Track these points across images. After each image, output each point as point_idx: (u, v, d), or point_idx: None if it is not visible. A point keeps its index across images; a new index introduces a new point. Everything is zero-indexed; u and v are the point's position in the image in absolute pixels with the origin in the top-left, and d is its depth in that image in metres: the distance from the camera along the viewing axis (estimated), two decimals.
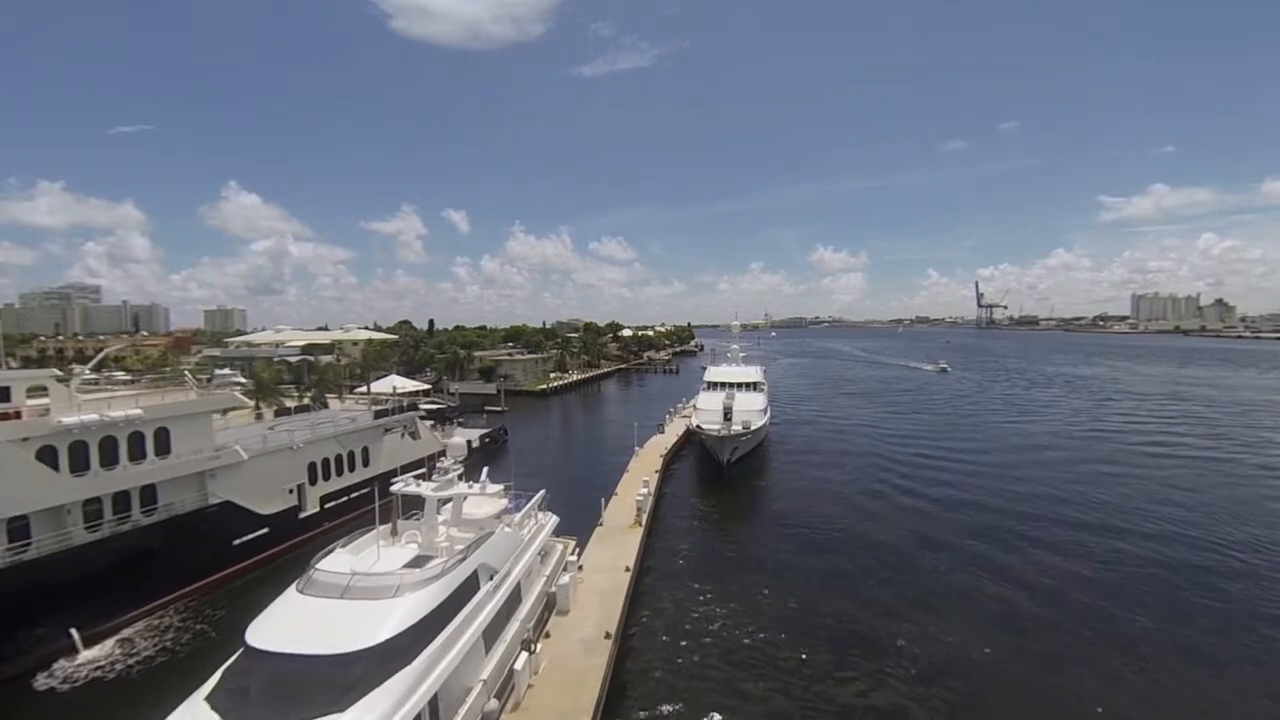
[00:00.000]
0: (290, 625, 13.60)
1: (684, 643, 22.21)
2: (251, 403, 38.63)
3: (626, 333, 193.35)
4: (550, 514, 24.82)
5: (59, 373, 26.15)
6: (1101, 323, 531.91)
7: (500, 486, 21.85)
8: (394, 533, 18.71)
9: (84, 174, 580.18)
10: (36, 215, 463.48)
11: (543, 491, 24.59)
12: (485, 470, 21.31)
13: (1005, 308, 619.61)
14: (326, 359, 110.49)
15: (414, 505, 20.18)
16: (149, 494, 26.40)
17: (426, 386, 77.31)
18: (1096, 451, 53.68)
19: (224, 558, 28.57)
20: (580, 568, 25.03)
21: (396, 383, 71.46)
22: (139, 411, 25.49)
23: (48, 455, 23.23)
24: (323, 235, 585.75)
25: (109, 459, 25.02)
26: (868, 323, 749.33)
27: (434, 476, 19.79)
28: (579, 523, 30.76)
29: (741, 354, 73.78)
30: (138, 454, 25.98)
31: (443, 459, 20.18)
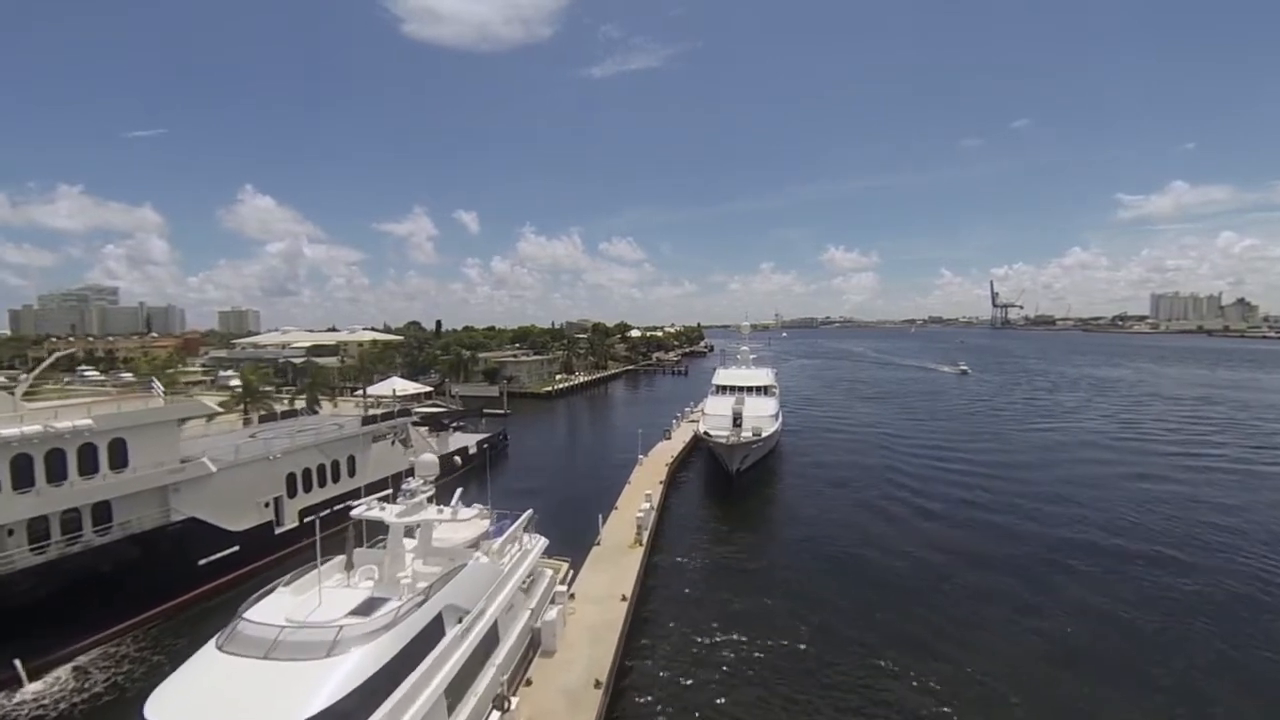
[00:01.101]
0: (200, 695, 11.18)
1: (686, 692, 19.48)
2: (221, 409, 36.45)
3: (635, 333, 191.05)
4: (538, 536, 22.28)
5: (2, 379, 24.06)
6: (1121, 323, 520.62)
7: (475, 510, 19.32)
8: (349, 567, 16.22)
9: (102, 177, 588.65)
10: (56, 218, 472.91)
11: (529, 512, 22.07)
12: (459, 492, 18.76)
13: (1021, 307, 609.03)
14: (329, 361, 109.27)
15: (378, 531, 17.76)
16: (103, 511, 24.24)
17: (428, 389, 75.02)
18: (1131, 463, 50.20)
19: (188, 579, 26.32)
20: (572, 596, 22.46)
21: (397, 385, 69.39)
22: (88, 422, 23.30)
23: None
24: (335, 237, 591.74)
25: (56, 473, 22.88)
26: (879, 323, 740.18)
27: (399, 498, 17.30)
28: (575, 541, 28.25)
29: (752, 356, 70.78)
30: (89, 468, 23.82)
31: (409, 479, 17.66)
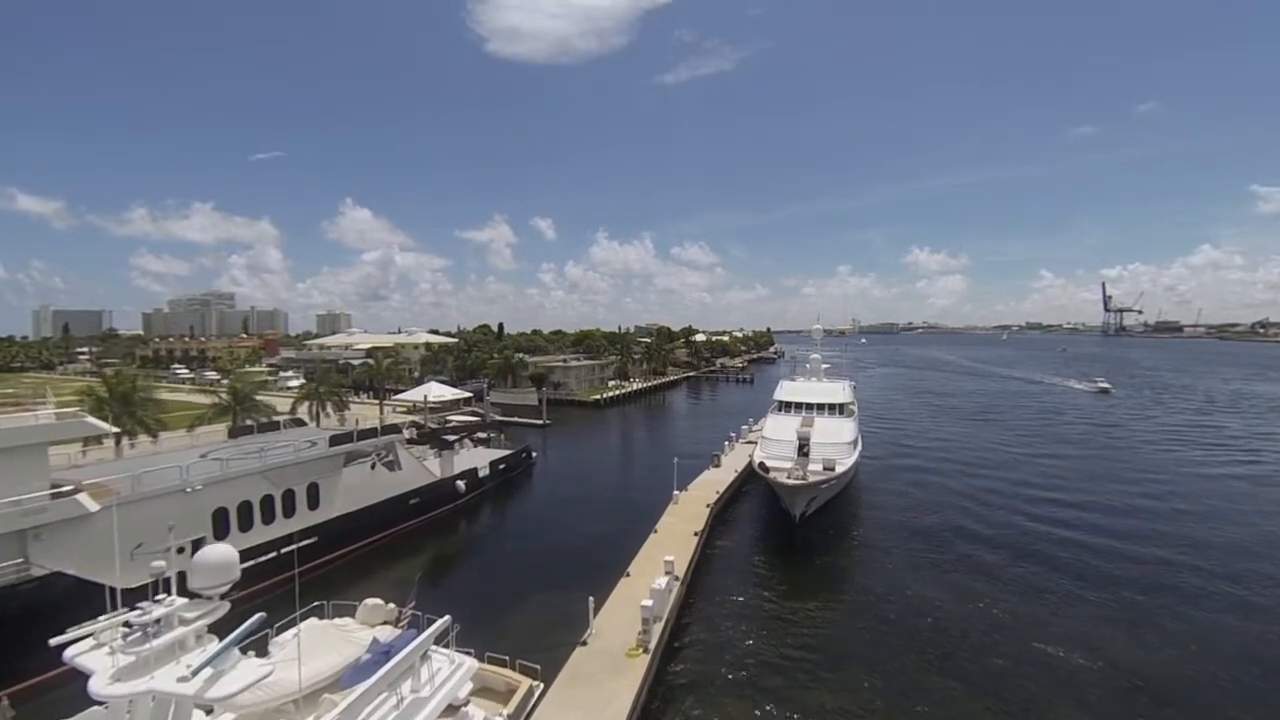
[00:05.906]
0: None
1: None
2: (116, 428, 30.53)
3: (700, 337, 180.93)
4: (460, 658, 13.83)
5: None
6: (1262, 329, 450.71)
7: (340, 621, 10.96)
8: None
9: (230, 194, 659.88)
10: (191, 231, 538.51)
11: (445, 620, 13.65)
12: (256, 620, 10.45)
13: (1140, 312, 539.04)
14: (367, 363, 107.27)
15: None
16: None
17: (468, 395, 68.83)
18: None
19: (43, 657, 19.86)
20: None
21: (432, 390, 63.87)
22: None
23: None
24: (423, 245, 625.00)
25: None
26: (968, 329, 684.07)
27: (129, 635, 9.40)
28: (560, 633, 19.84)
29: (825, 365, 59.28)
30: None
31: (163, 596, 9.67)
